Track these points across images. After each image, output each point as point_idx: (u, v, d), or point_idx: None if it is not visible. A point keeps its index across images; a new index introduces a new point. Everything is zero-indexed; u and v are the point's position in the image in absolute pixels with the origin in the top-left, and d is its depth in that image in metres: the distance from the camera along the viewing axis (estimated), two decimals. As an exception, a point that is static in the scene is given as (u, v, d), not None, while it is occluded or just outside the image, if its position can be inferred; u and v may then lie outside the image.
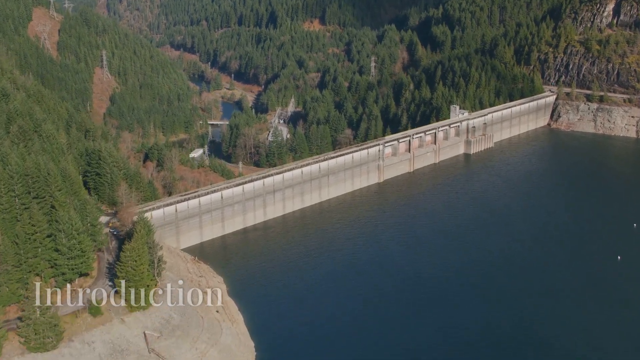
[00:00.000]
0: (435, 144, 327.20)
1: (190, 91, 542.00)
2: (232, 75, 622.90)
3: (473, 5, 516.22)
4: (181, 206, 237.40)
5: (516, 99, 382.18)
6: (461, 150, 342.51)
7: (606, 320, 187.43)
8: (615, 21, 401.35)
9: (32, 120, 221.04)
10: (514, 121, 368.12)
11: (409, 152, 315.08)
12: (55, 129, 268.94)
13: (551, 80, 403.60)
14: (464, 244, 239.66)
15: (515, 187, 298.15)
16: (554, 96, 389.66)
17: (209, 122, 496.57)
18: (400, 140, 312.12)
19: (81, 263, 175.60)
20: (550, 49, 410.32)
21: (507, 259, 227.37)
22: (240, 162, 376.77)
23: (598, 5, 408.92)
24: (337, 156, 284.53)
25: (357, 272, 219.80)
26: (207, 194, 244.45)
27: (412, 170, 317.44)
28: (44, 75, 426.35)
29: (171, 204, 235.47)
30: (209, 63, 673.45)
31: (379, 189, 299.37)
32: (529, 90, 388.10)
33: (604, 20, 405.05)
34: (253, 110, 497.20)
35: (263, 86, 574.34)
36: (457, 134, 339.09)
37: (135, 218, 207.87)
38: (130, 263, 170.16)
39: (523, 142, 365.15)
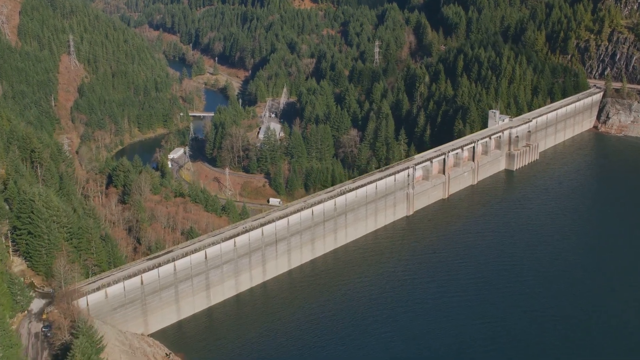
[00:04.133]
0: (473, 160, 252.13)
1: (170, 79, 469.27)
2: (216, 58, 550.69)
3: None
4: (149, 276, 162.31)
5: (558, 97, 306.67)
6: (502, 166, 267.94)
7: None
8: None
9: None
10: (559, 125, 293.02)
11: (444, 173, 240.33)
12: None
13: (594, 72, 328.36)
14: (529, 311, 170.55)
15: (576, 216, 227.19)
16: (601, 93, 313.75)
17: (191, 114, 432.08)
18: (434, 160, 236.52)
19: None
20: (592, 36, 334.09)
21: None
22: (227, 168, 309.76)
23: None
24: (356, 187, 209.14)
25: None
26: (186, 254, 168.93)
27: (446, 197, 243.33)
28: (1, 65, 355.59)
29: (134, 274, 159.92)
30: (191, 45, 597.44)
31: (407, 225, 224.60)
32: (571, 86, 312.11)
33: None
34: (240, 101, 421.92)
35: (250, 71, 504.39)
36: (498, 146, 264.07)
37: (77, 317, 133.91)
38: None
39: (571, 152, 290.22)
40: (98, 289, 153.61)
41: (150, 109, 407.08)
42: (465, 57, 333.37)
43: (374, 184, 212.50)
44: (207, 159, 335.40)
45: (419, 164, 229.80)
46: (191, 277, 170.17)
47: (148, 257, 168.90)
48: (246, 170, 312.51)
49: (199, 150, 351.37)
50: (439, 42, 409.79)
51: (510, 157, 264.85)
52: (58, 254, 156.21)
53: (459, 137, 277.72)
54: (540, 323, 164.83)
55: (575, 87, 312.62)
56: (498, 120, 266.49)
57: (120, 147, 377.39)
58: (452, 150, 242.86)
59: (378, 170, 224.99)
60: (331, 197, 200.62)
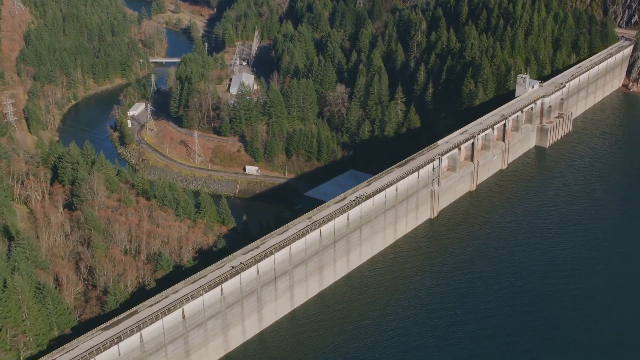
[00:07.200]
0: (503, 140, 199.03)
1: (127, 20, 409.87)
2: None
3: None
4: (105, 357, 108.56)
5: (584, 52, 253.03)
6: (532, 142, 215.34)
7: None
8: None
9: None
10: (590, 88, 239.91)
11: (472, 160, 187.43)
12: None
13: (618, 20, 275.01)
14: None
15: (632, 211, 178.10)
16: (631, 46, 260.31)
17: (152, 61, 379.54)
18: (462, 146, 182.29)
19: None
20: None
21: None
22: (196, 131, 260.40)
23: None
24: (374, 193, 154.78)
25: None
26: (156, 318, 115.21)
27: (474, 188, 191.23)
28: None
29: (86, 356, 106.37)
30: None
31: (431, 232, 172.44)
32: (598, 38, 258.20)
33: None
34: (206, 45, 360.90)
35: (215, 9, 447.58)
36: (529, 119, 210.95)
37: None
38: None
39: (603, 119, 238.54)
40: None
41: (106, 56, 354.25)
42: (470, 1, 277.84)
43: (394, 186, 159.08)
44: (172, 118, 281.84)
45: (444, 153, 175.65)
46: (164, 345, 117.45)
47: (104, 325, 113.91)
48: (217, 132, 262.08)
49: (163, 106, 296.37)
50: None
51: (542, 131, 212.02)
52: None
53: (469, 99, 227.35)
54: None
55: (603, 39, 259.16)
56: (528, 87, 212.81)
57: (73, 102, 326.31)
58: (482, 131, 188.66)
59: (396, 165, 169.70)
60: (343, 210, 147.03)
